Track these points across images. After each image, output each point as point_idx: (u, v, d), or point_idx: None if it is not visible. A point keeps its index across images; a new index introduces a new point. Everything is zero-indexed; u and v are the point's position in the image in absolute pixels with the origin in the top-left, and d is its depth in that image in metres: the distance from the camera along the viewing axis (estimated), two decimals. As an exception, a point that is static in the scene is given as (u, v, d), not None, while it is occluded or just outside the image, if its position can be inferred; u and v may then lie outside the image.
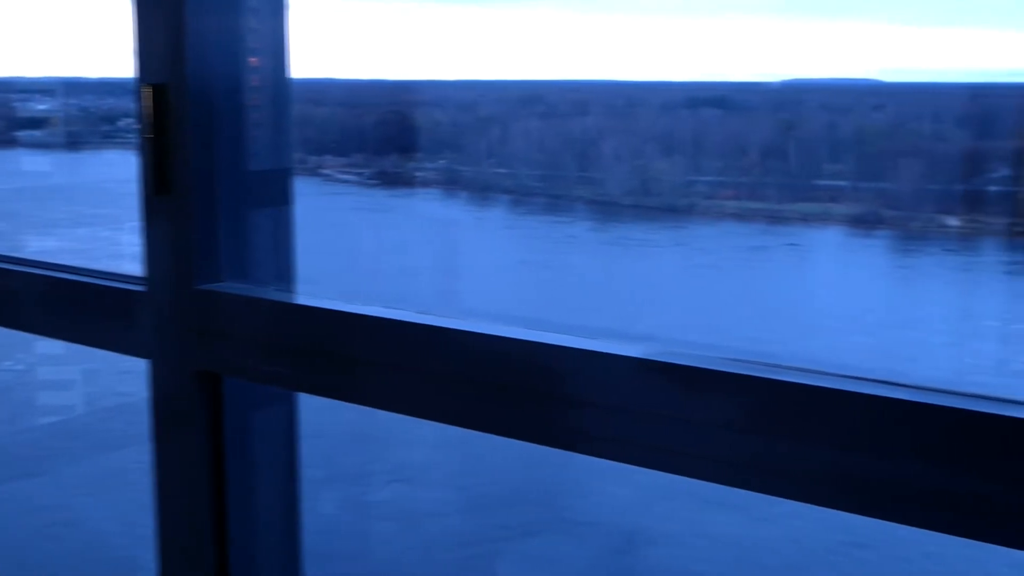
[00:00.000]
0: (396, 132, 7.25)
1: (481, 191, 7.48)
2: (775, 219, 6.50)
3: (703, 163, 6.77)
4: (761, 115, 6.63)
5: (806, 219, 6.41)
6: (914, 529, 1.33)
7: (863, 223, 6.28)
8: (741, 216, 6.55)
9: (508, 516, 5.12)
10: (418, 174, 7.55)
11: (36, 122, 7.32)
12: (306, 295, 1.74)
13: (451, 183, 7.52)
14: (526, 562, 4.80)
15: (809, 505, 1.37)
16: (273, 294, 1.75)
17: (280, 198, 1.86)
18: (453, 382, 1.58)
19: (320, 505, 4.55)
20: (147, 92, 1.73)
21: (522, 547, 4.88)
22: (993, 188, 5.71)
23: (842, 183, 6.51)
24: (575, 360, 1.48)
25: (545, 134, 7.01)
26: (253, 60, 1.79)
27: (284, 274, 1.86)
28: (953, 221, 5.97)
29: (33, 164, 7.36)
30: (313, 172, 7.16)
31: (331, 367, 1.67)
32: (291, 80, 1.84)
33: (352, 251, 6.63)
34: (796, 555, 4.72)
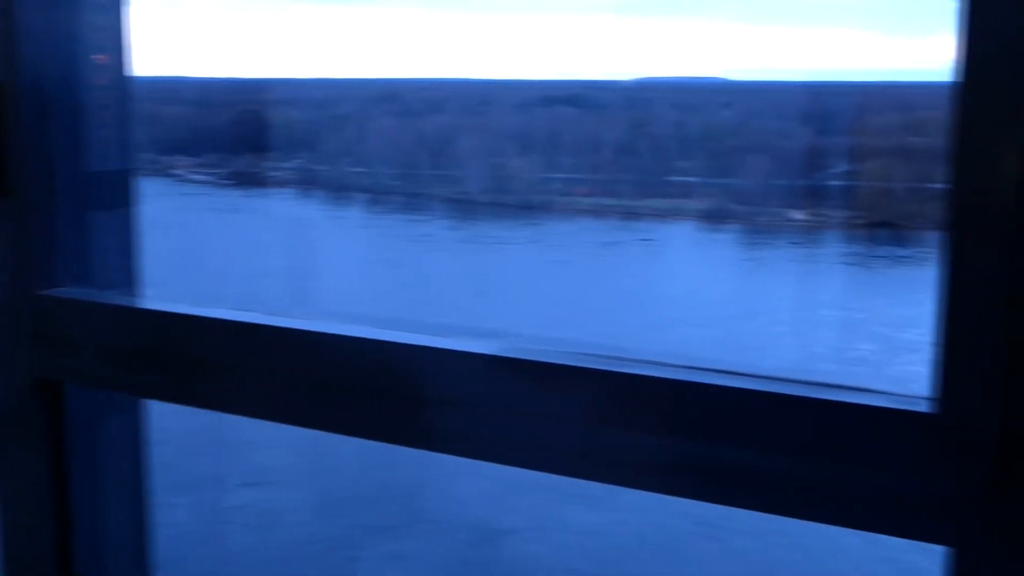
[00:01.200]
0: (250, 131, 7.12)
1: (338, 190, 7.40)
2: (629, 215, 6.62)
3: (559, 160, 6.84)
4: (614, 113, 6.74)
5: (659, 214, 6.54)
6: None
7: (713, 218, 6.46)
8: (596, 212, 6.65)
9: (367, 516, 5.08)
10: (274, 174, 7.43)
11: None
12: (152, 299, 1.69)
13: (307, 182, 7.42)
14: (386, 562, 4.77)
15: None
16: (116, 298, 1.70)
17: (123, 199, 1.81)
18: (306, 385, 1.56)
19: (173, 513, 4.43)
20: (-22, 90, 1.66)
21: (382, 547, 4.85)
22: (834, 183, 5.94)
23: (693, 179, 6.66)
24: (429, 359, 1.47)
25: (402, 132, 6.97)
26: (100, 57, 1.73)
27: (129, 278, 1.80)
28: (798, 215, 6.18)
29: None
30: (164, 172, 6.97)
31: (179, 372, 1.63)
32: (134, 78, 1.79)
33: (203, 253, 6.49)
34: (654, 542, 4.82)
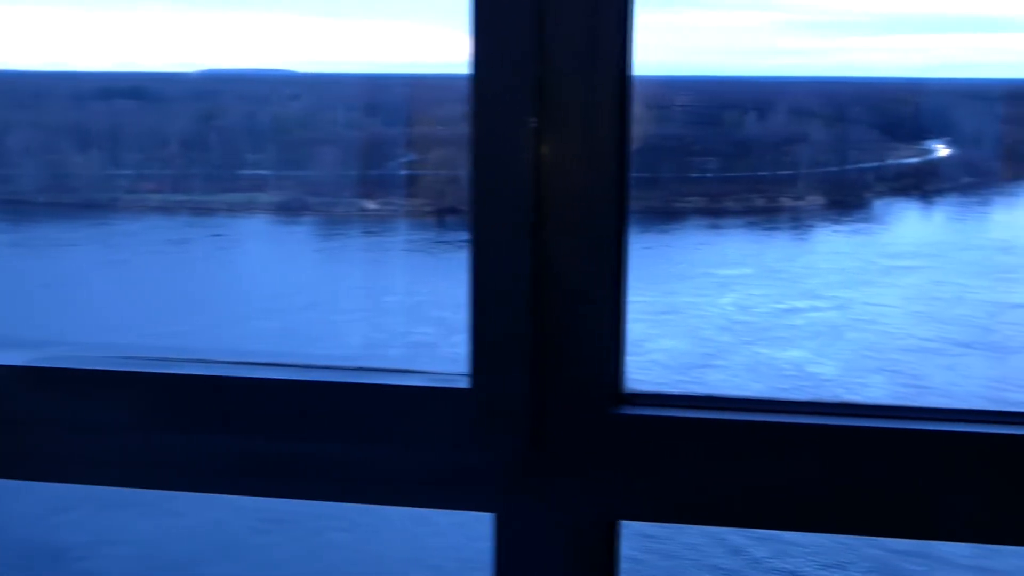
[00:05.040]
0: None
1: None
2: (200, 210, 6.45)
3: (123, 156, 6.53)
4: (180, 105, 6.53)
5: (232, 209, 6.43)
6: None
7: (288, 210, 6.44)
8: (166, 209, 6.42)
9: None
10: None
11: None
12: None
13: None
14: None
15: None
16: None
17: None
18: None
19: None
20: None
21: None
22: (402, 172, 6.13)
23: (265, 172, 6.61)
24: (-45, 375, 1.36)
25: (-62, 129, 6.36)
26: None
27: None
28: (371, 204, 6.31)
29: None
30: None
31: None
32: None
33: None
34: (218, 543, 4.74)
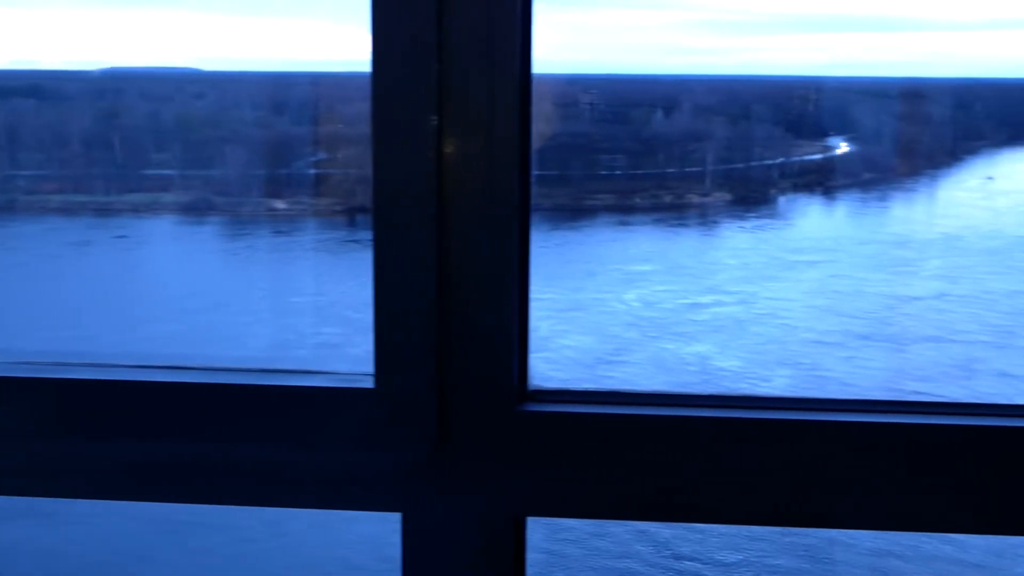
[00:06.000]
0: None
1: None
2: (104, 211, 6.32)
3: (22, 156, 6.38)
4: (81, 104, 6.39)
5: (136, 210, 6.30)
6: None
7: (194, 210, 6.33)
8: (67, 210, 6.28)
9: None
10: None
11: None
12: None
13: None
14: None
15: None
16: None
17: None
18: None
19: None
20: None
21: None
22: (312, 171, 6.07)
23: (170, 172, 6.49)
24: None
25: None
26: None
27: None
28: (280, 204, 6.23)
29: None
30: None
31: None
32: None
33: None
34: (121, 551, 4.64)
